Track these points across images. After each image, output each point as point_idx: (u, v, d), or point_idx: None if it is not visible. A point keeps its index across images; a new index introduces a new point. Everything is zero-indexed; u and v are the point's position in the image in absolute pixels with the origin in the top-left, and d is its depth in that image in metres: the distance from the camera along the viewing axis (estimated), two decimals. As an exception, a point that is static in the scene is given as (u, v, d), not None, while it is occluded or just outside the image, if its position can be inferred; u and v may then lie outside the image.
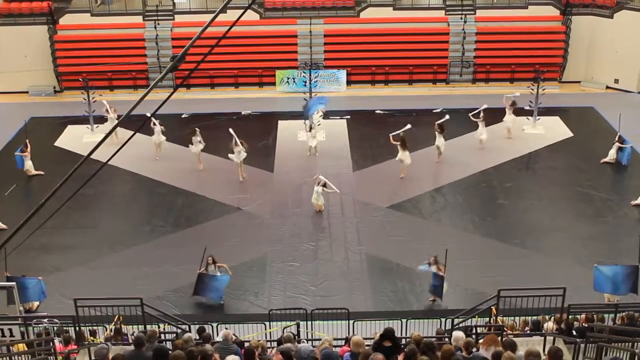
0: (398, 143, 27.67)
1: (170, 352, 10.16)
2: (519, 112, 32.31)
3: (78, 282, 21.21)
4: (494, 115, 31.57)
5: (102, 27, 38.48)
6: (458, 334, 11.81)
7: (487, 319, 18.04)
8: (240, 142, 27.38)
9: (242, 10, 6.97)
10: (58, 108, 36.37)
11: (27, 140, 28.65)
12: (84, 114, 32.02)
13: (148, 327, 15.92)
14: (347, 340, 14.14)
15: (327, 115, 33.28)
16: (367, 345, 11.48)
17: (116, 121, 29.55)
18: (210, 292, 20.72)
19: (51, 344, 14.07)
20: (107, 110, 31.19)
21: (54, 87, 38.76)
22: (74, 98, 35.01)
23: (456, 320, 17.83)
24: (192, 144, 28.94)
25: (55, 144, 32.04)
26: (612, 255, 22.69)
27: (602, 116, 34.39)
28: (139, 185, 28.37)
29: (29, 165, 28.51)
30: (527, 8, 39.12)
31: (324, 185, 25.54)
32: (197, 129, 29.18)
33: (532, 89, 32.09)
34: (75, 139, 31.90)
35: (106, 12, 39.24)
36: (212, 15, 6.09)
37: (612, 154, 29.07)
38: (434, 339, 13.44)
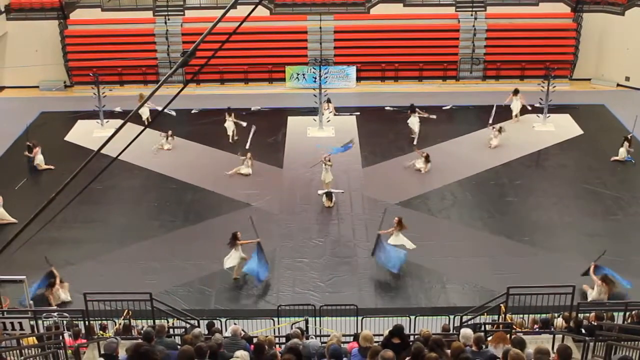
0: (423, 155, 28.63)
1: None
2: (529, 109, 32.49)
3: (87, 276, 21.26)
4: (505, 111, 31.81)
5: (112, 22, 38.56)
6: (466, 332, 11.79)
7: (496, 317, 18.01)
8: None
9: (253, 6, 6.96)
10: (68, 103, 36.48)
11: (32, 143, 28.79)
12: (94, 109, 32.09)
13: (157, 321, 15.96)
14: (355, 337, 14.13)
15: (337, 111, 33.42)
16: (376, 342, 11.49)
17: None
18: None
19: (61, 337, 14.12)
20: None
21: (65, 82, 38.89)
22: (84, 93, 35.13)
23: (465, 318, 17.82)
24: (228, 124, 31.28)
25: (66, 138, 32.14)
26: (622, 253, 22.61)
27: (613, 114, 34.26)
28: (148, 180, 28.40)
29: (39, 159, 28.67)
30: (538, 5, 38.99)
31: (329, 195, 25.93)
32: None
33: (542, 86, 32.00)
34: (86, 134, 31.99)
35: (117, 7, 39.25)
36: (222, 11, 6.09)
37: (622, 152, 28.96)
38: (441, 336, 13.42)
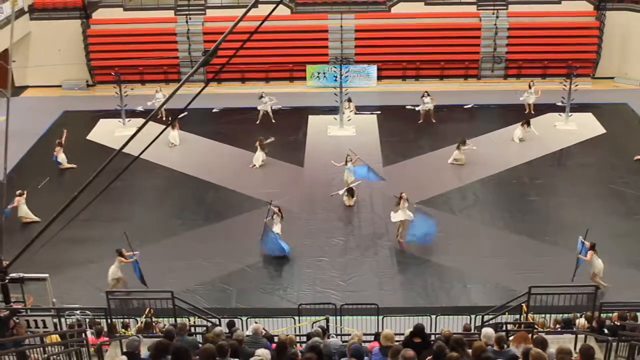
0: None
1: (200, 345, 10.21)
2: (551, 108, 32.46)
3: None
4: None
5: (134, 22, 38.79)
6: (488, 331, 11.73)
7: (518, 316, 17.92)
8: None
9: (274, 5, 6.97)
10: (90, 102, 36.73)
11: (62, 139, 29.09)
12: (116, 108, 32.27)
13: (178, 320, 16.02)
14: (376, 336, 14.11)
15: (357, 110, 33.37)
16: (397, 341, 11.47)
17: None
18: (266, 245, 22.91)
19: (83, 335, 14.20)
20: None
21: (87, 81, 39.12)
22: (106, 92, 35.34)
23: (486, 317, 17.75)
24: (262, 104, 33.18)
25: (88, 137, 32.33)
26: (646, 253, 22.49)
27: (636, 113, 33.97)
28: (169, 179, 28.53)
29: (62, 158, 28.87)
30: (560, 3, 38.74)
31: (351, 192, 26.08)
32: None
33: (564, 85, 31.80)
34: (107, 133, 32.15)
35: (138, 6, 39.47)
36: (243, 10, 6.11)
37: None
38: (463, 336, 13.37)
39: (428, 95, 32.81)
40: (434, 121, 32.77)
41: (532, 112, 33.10)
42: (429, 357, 10.15)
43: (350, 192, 26.00)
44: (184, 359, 9.52)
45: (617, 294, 18.95)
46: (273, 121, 33.02)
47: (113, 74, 32.84)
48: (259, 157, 28.92)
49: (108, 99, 33.63)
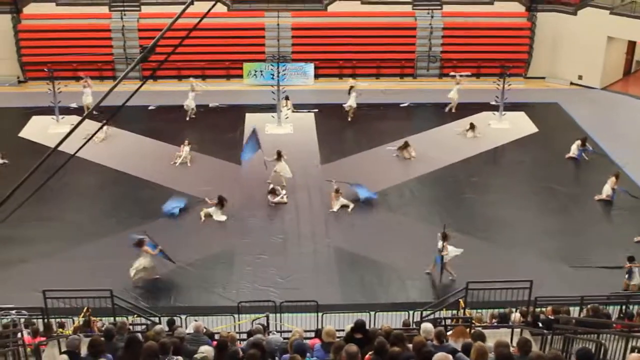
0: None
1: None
2: (485, 107, 33.01)
3: (45, 275, 20.96)
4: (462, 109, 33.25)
5: (67, 17, 37.98)
6: (427, 326, 11.91)
7: (455, 312, 18.22)
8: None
9: (212, 3, 6.96)
10: (22, 98, 35.83)
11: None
12: (49, 105, 31.63)
13: (118, 319, 15.85)
14: (317, 333, 14.20)
15: (295, 108, 33.42)
16: (339, 337, 11.56)
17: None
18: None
19: (19, 335, 13.95)
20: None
21: (18, 77, 38.19)
22: (38, 88, 34.48)
23: (424, 313, 18.00)
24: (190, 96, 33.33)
25: (20, 134, 31.62)
26: (577, 248, 23.08)
27: (567, 112, 34.75)
28: (104, 177, 28.11)
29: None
30: (493, 4, 39.39)
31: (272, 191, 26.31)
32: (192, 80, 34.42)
33: (498, 84, 32.39)
34: (41, 130, 31.50)
35: (71, 1, 38.68)
36: (178, 6, 6.12)
37: (574, 150, 29.42)
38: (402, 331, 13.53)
39: (351, 91, 33.33)
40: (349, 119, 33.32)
41: (453, 111, 34.04)
42: (370, 352, 10.25)
43: (273, 191, 25.99)
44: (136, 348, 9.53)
45: (550, 289, 19.40)
46: (191, 117, 33.47)
47: (46, 70, 32.20)
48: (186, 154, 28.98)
49: (41, 95, 32.84)
